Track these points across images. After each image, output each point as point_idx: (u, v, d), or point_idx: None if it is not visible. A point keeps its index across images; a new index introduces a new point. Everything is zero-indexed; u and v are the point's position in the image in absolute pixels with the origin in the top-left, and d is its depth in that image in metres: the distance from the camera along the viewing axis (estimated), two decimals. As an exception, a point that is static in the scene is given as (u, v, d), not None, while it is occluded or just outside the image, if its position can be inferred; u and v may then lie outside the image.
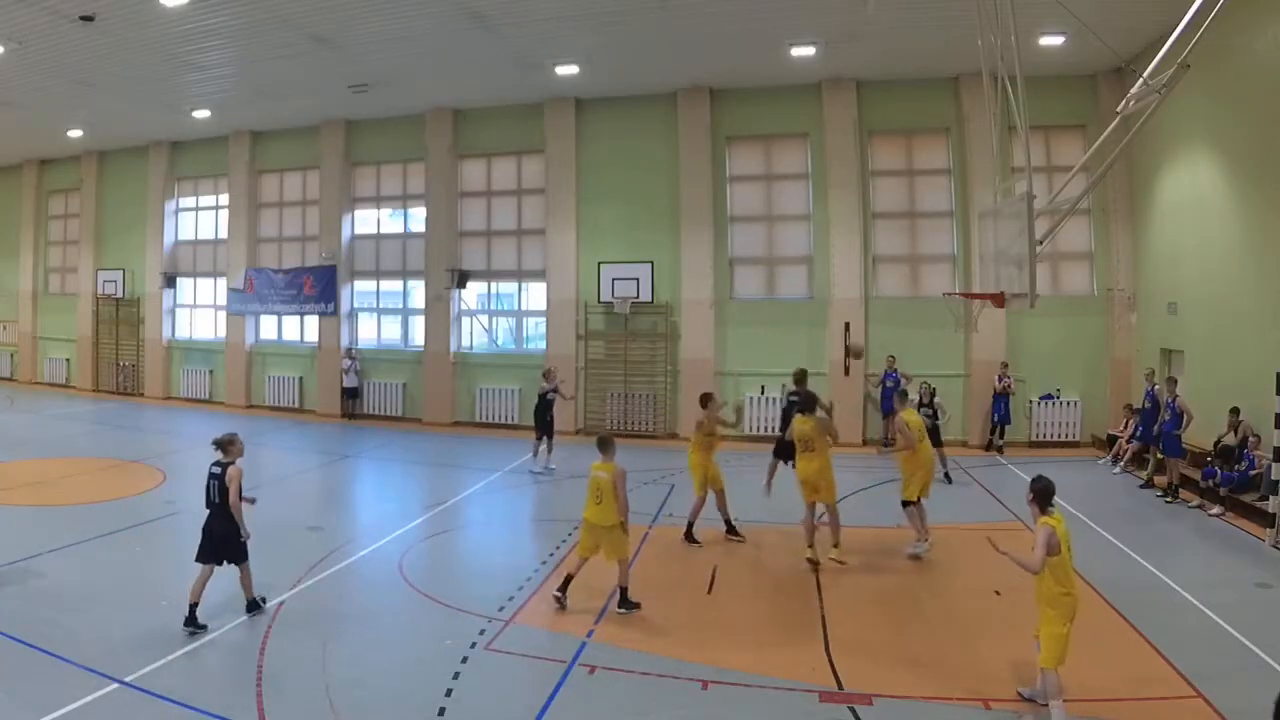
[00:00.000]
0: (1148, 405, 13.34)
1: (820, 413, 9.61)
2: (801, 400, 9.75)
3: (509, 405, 19.16)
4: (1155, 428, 12.94)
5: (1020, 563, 5.74)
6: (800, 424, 9.31)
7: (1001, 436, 16.04)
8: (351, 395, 20.23)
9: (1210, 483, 11.43)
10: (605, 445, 8.04)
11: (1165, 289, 14.76)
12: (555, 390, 14.36)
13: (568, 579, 7.84)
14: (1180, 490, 12.17)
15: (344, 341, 20.69)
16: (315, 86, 17.74)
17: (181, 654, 6.56)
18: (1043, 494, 5.92)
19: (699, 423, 10.19)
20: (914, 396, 13.66)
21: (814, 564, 9.01)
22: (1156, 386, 13.32)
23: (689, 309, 17.82)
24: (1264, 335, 11.48)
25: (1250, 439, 11.27)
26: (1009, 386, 15.87)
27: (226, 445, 7.42)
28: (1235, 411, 11.51)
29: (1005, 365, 15.97)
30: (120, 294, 23.85)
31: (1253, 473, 11.00)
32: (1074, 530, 10.41)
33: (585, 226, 18.69)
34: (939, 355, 16.09)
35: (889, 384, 16.01)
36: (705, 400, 10.32)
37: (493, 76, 17.03)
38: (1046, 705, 5.65)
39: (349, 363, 20.14)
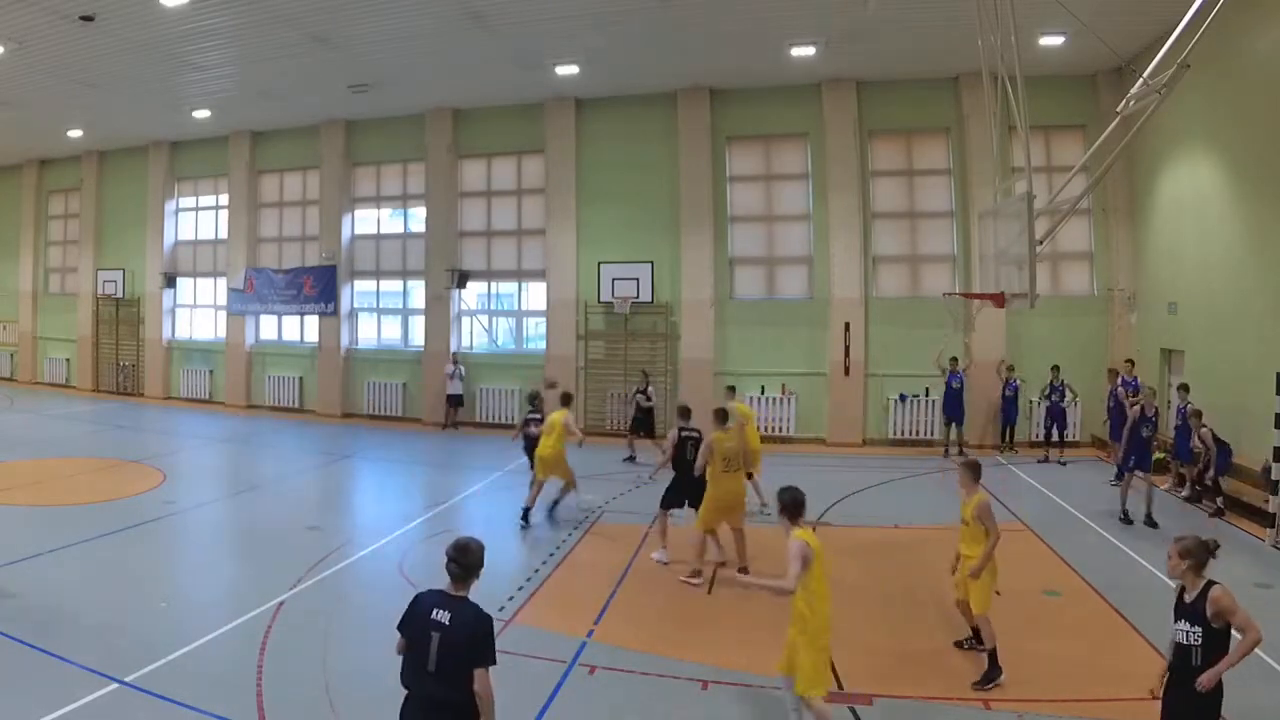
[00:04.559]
0: (1111, 404, 13.70)
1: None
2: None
3: (509, 405, 19.15)
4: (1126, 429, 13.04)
5: (773, 588, 5.28)
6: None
7: (1011, 438, 16.04)
8: (456, 403, 19.02)
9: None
10: (567, 399, 11.37)
11: (1165, 289, 14.76)
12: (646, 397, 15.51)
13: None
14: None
15: (453, 345, 19.67)
16: (315, 86, 17.74)
17: (181, 654, 6.56)
18: (792, 506, 5.46)
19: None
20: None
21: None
22: (1120, 390, 13.61)
23: (689, 309, 17.82)
24: (1264, 335, 11.47)
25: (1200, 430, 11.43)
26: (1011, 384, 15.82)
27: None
28: (1199, 414, 11.63)
29: (1012, 369, 15.90)
30: (120, 294, 23.85)
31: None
32: (1075, 530, 10.59)
33: (585, 226, 18.68)
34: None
35: (954, 385, 15.64)
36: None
37: (493, 76, 17.03)
38: None
39: (453, 368, 19.00)
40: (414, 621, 4.10)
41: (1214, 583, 4.49)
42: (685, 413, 9.99)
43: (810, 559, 5.17)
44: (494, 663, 4.01)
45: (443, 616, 4.02)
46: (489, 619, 4.09)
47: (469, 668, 3.94)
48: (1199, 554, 4.56)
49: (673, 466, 9.64)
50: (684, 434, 9.58)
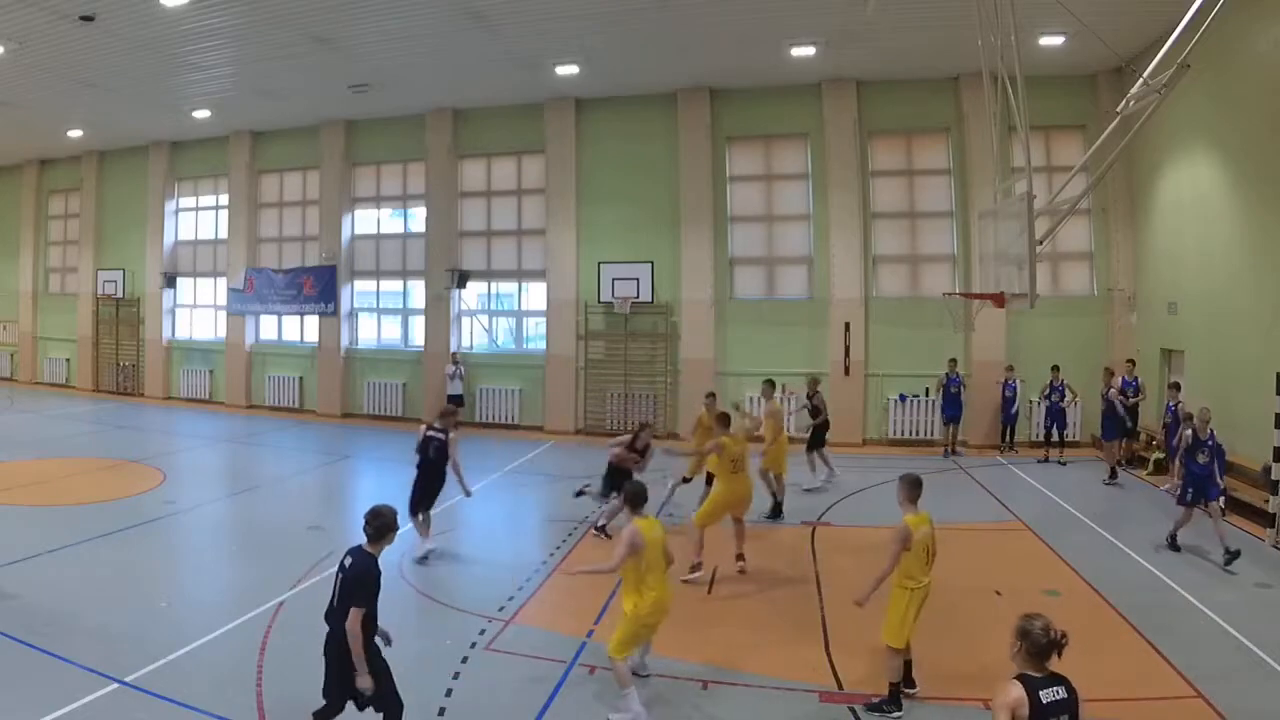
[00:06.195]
0: (1103, 405, 13.81)
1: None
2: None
3: (509, 405, 19.16)
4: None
5: (597, 570, 6.17)
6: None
7: (1013, 437, 16.08)
8: (456, 403, 18.44)
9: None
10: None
11: (1165, 289, 14.76)
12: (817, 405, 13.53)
13: None
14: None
15: (448, 344, 19.56)
16: (315, 86, 17.73)
17: (181, 654, 6.56)
18: (634, 498, 6.11)
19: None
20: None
21: None
22: (1111, 389, 13.73)
23: (689, 309, 17.82)
24: (1264, 335, 11.47)
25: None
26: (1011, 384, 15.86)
27: (446, 415, 9.75)
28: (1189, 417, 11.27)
29: (1010, 369, 15.91)
30: (120, 294, 23.84)
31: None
32: (1075, 530, 10.58)
33: (585, 226, 18.68)
34: (939, 355, 16.07)
35: (952, 390, 15.75)
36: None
37: (493, 76, 17.02)
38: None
39: (453, 368, 18.92)
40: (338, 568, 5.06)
41: (1017, 677, 3.63)
42: (442, 414, 10.12)
43: (640, 546, 5.77)
44: (362, 605, 4.74)
45: (347, 562, 4.93)
46: (372, 570, 4.87)
47: (350, 605, 4.73)
48: (1036, 641, 3.62)
49: (417, 467, 9.56)
50: (429, 434, 9.64)
